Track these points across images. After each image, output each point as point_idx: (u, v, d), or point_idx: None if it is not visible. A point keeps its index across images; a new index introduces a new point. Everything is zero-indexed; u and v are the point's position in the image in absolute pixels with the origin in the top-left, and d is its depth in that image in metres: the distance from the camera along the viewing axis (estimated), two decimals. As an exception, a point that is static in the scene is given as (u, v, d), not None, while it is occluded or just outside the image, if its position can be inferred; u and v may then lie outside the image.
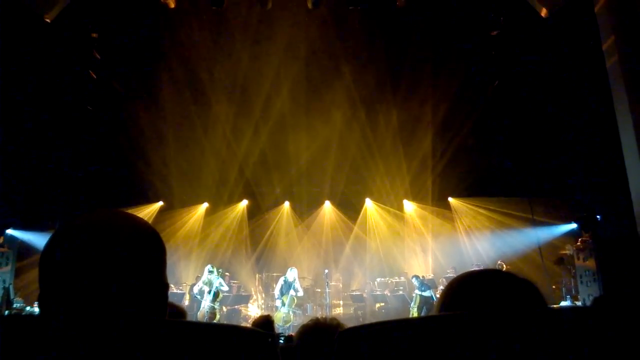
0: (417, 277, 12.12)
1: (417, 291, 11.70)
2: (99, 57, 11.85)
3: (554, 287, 12.13)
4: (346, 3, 11.35)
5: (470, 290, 1.08)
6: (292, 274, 11.90)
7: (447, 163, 14.42)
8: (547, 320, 0.90)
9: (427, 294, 11.53)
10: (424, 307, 11.42)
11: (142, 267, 0.99)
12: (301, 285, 12.64)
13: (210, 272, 11.31)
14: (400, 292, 13.06)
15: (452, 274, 12.63)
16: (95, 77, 12.01)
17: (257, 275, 14.76)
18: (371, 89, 13.85)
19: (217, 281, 11.21)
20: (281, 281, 11.99)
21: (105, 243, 0.96)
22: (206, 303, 10.89)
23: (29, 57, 10.16)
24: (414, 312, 11.55)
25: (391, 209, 15.97)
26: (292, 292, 11.69)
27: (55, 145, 12.01)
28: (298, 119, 14.30)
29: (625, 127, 7.50)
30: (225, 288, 11.53)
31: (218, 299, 11.06)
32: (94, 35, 11.26)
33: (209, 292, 10.98)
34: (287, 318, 11.39)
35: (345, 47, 12.82)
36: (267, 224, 16.09)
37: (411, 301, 11.96)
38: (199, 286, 11.38)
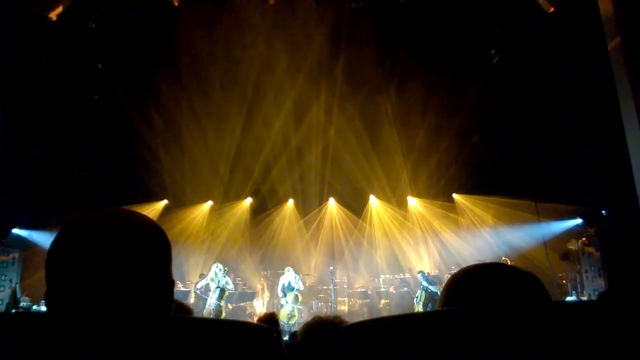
0: (422, 272, 12.12)
1: (421, 287, 11.71)
2: (102, 55, 11.88)
3: (559, 282, 12.11)
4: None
5: (472, 284, 1.08)
6: (289, 275, 12.00)
7: (452, 159, 14.39)
8: (551, 313, 0.90)
9: (433, 289, 11.53)
10: (430, 304, 11.42)
11: (147, 264, 0.99)
12: (305, 282, 12.71)
13: (219, 270, 11.37)
14: (405, 289, 13.06)
15: (456, 270, 12.58)
16: (99, 74, 12.03)
17: (261, 273, 14.79)
18: (375, 85, 13.84)
19: (224, 279, 11.27)
20: (282, 280, 12.09)
21: (111, 241, 0.96)
22: (212, 301, 10.95)
23: (33, 55, 10.19)
24: (419, 309, 11.55)
25: (395, 206, 15.95)
26: (296, 287, 11.78)
27: (60, 144, 12.05)
28: (302, 116, 14.31)
29: (630, 122, 7.46)
30: (231, 286, 11.57)
31: (224, 297, 11.12)
32: (98, 33, 11.27)
33: (215, 290, 11.05)
34: (291, 315, 11.43)
35: (349, 43, 12.79)
36: (271, 221, 16.10)
37: (415, 298, 11.97)
38: (204, 282, 11.44)
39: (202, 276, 12.58)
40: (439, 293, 9.93)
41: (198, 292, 11.63)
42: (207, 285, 11.35)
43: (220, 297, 10.97)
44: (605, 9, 7.91)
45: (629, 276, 8.71)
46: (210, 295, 11.07)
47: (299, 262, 14.95)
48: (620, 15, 7.53)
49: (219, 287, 11.08)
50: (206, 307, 11.05)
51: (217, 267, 11.50)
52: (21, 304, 10.64)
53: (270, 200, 16.08)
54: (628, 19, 7.39)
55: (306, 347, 2.33)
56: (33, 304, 10.74)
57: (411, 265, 14.72)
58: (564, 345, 0.85)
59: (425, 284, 11.70)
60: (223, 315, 10.96)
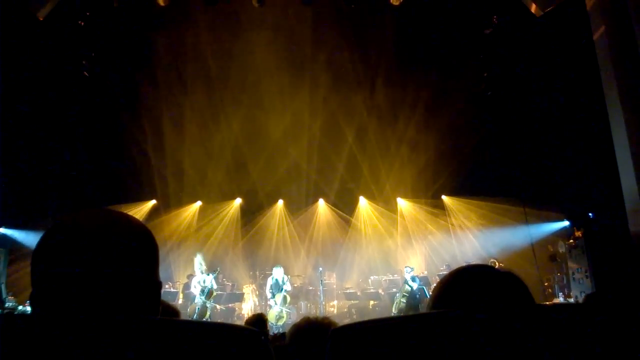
0: (408, 267, 12.17)
1: (405, 277, 11.78)
2: (91, 55, 11.79)
3: (546, 284, 12.21)
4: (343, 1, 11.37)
5: (460, 287, 1.09)
6: (279, 272, 11.89)
7: (441, 161, 14.46)
8: (539, 317, 0.91)
9: (407, 288, 11.60)
10: (408, 297, 11.52)
11: (134, 265, 0.99)
12: (293, 283, 12.68)
13: (199, 264, 11.27)
14: (394, 290, 13.08)
15: (445, 272, 12.63)
16: (87, 75, 11.94)
17: (250, 274, 14.75)
18: (366, 87, 13.90)
19: (208, 278, 11.16)
20: (270, 280, 11.99)
21: (98, 242, 0.95)
22: (199, 299, 10.87)
23: (20, 55, 10.09)
24: (399, 301, 11.59)
25: (385, 207, 16.00)
26: (284, 287, 11.72)
27: (48, 144, 11.94)
28: (293, 118, 14.30)
29: (617, 125, 7.55)
30: (215, 286, 11.40)
31: (212, 297, 11.05)
32: (85, 33, 11.18)
33: (202, 290, 10.99)
34: (280, 316, 11.41)
35: (338, 44, 12.81)
36: (260, 222, 16.07)
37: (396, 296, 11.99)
38: (194, 283, 11.37)
39: (190, 277, 12.50)
40: (427, 293, 9.97)
41: (190, 293, 11.52)
42: (196, 285, 11.28)
43: (207, 297, 10.89)
44: (594, 15, 8.00)
45: (615, 278, 8.80)
46: (198, 294, 10.99)
47: (288, 263, 14.92)
48: (608, 22, 7.62)
49: (204, 287, 11.00)
50: (192, 304, 10.97)
51: (197, 258, 11.44)
52: (6, 305, 10.53)
53: (260, 200, 16.05)
54: (616, 26, 7.48)
55: (294, 349, 2.33)
56: (19, 305, 10.63)
57: (401, 266, 14.75)
58: (550, 348, 0.85)
59: (406, 276, 11.79)
60: (207, 315, 10.89)
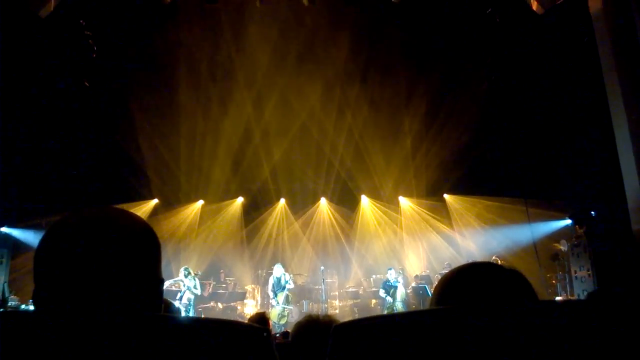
0: (391, 269, 12.19)
1: (398, 279, 11.83)
2: (93, 54, 11.78)
3: (551, 282, 12.20)
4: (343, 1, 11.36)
5: (462, 283, 1.09)
6: (278, 270, 11.86)
7: (443, 160, 14.44)
8: (539, 312, 0.91)
9: (403, 291, 11.71)
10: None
11: (136, 263, 0.99)
12: (296, 282, 12.65)
13: (184, 276, 11.09)
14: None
15: (447, 270, 12.58)
16: (88, 73, 11.93)
17: (252, 272, 14.76)
18: (368, 86, 13.89)
19: (190, 282, 10.99)
20: (271, 279, 11.95)
21: (100, 239, 0.95)
22: (178, 303, 10.67)
23: (22, 53, 10.09)
24: (392, 307, 11.62)
25: (387, 206, 15.99)
26: (287, 286, 11.71)
27: (49, 143, 11.95)
28: (294, 116, 14.30)
29: (619, 123, 7.53)
30: (198, 291, 11.17)
31: (183, 299, 10.77)
32: (88, 32, 11.16)
33: (180, 293, 10.88)
34: (283, 315, 11.41)
35: (342, 42, 12.79)
36: (262, 220, 16.07)
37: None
38: (170, 282, 11.18)
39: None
40: (430, 292, 9.99)
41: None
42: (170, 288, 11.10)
43: (181, 300, 10.69)
44: (596, 12, 7.97)
45: (617, 277, 8.79)
46: (177, 298, 10.78)
47: (290, 262, 14.94)
48: (610, 18, 7.60)
49: (181, 290, 10.89)
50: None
51: (183, 270, 11.24)
52: (9, 303, 10.55)
53: (262, 199, 16.05)
54: (618, 22, 7.46)
55: (297, 347, 2.33)
56: (21, 303, 10.66)
57: (403, 265, 14.75)
58: (552, 344, 0.85)
59: (400, 278, 11.85)
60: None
